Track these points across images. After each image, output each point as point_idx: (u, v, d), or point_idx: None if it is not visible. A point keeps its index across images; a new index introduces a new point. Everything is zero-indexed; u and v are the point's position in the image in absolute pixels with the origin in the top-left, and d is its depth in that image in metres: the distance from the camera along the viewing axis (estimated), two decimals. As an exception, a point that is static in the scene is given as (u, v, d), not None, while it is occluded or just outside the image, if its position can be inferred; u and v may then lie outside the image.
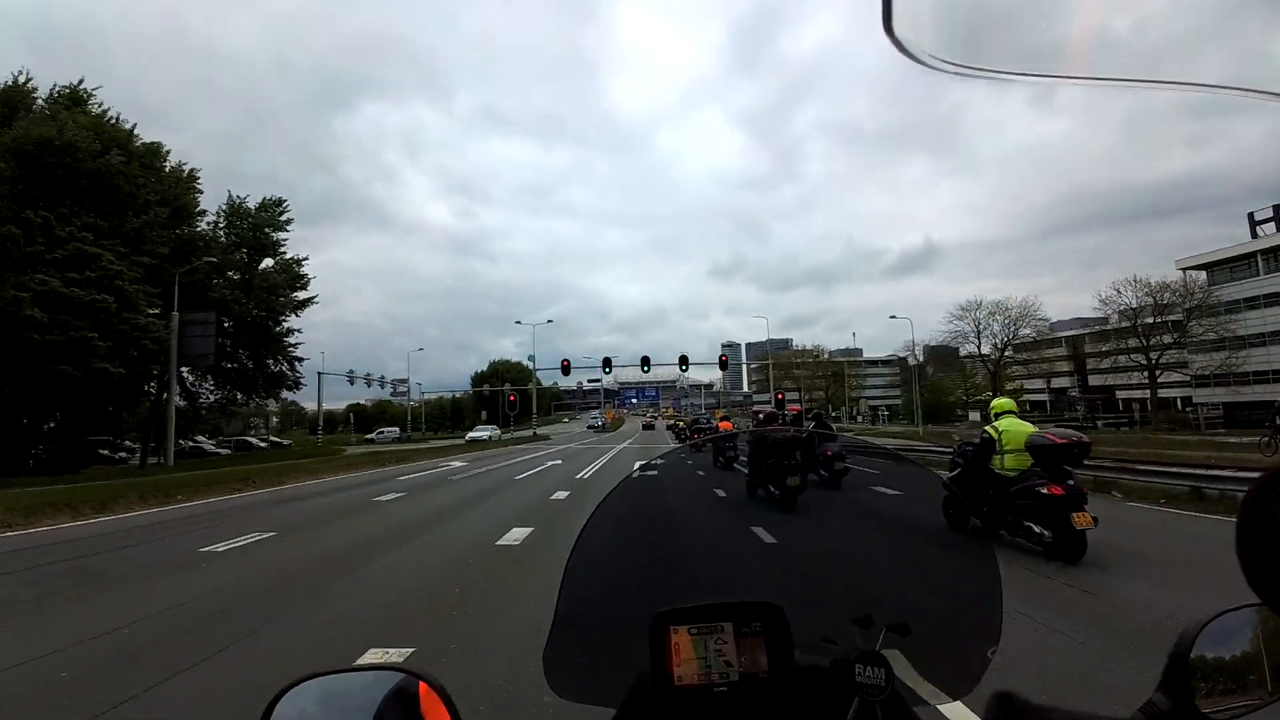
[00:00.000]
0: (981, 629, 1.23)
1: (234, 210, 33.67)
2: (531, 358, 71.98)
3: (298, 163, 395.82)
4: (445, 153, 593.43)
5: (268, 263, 35.15)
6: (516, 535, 8.32)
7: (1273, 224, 48.80)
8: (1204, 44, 0.56)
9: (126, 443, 36.05)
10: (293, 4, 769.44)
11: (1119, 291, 50.36)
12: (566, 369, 47.43)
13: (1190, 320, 47.77)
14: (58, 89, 29.31)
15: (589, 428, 79.11)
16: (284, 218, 34.72)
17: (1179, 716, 0.73)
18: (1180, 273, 51.84)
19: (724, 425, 31.25)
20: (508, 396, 55.46)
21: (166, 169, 30.94)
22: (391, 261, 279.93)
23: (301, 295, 35.80)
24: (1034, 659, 3.78)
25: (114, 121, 29.16)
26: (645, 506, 2.34)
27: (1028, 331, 60.91)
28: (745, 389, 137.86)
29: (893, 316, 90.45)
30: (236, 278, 33.29)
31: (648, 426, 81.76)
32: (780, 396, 52.68)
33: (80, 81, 30.20)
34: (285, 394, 42.42)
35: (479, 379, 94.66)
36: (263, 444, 49.65)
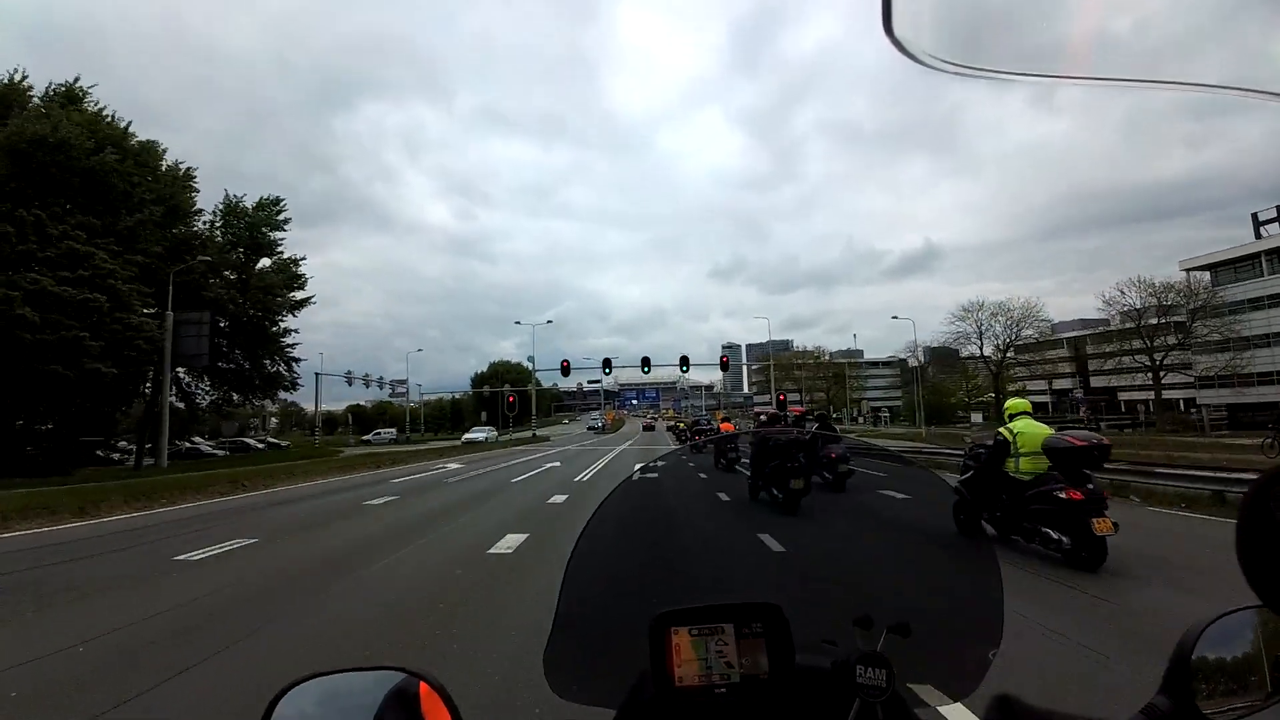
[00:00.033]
0: (982, 630, 1.23)
1: (230, 209, 33.36)
2: (531, 358, 71.76)
3: (298, 163, 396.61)
4: (445, 153, 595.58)
5: (265, 262, 34.91)
6: (510, 542, 7.92)
7: (1277, 224, 48.42)
8: (1204, 44, 0.56)
9: (122, 443, 35.75)
10: (293, 4, 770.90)
11: (1123, 292, 50.20)
12: (566, 370, 47.10)
13: (1195, 321, 47.48)
14: (53, 87, 29.14)
15: (589, 429, 78.92)
16: (281, 217, 34.44)
17: (1180, 717, 0.73)
18: (1184, 273, 51.56)
19: (725, 426, 31.16)
20: (507, 398, 55.06)
21: (163, 168, 30.69)
22: (391, 262, 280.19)
23: (299, 295, 35.55)
24: (1036, 660, 3.74)
25: (109, 119, 28.89)
26: (646, 508, 2.33)
27: (1030, 332, 60.71)
28: (745, 390, 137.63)
29: (895, 317, 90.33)
30: (233, 278, 32.97)
31: (648, 428, 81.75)
32: (782, 398, 52.34)
33: (76, 79, 30.01)
34: (284, 395, 42.27)
35: (479, 380, 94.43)
36: (260, 445, 49.36)
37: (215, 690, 3.71)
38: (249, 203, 34.18)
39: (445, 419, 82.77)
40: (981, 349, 61.94)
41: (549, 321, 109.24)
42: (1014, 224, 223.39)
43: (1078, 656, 3.99)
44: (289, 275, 34.78)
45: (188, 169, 31.91)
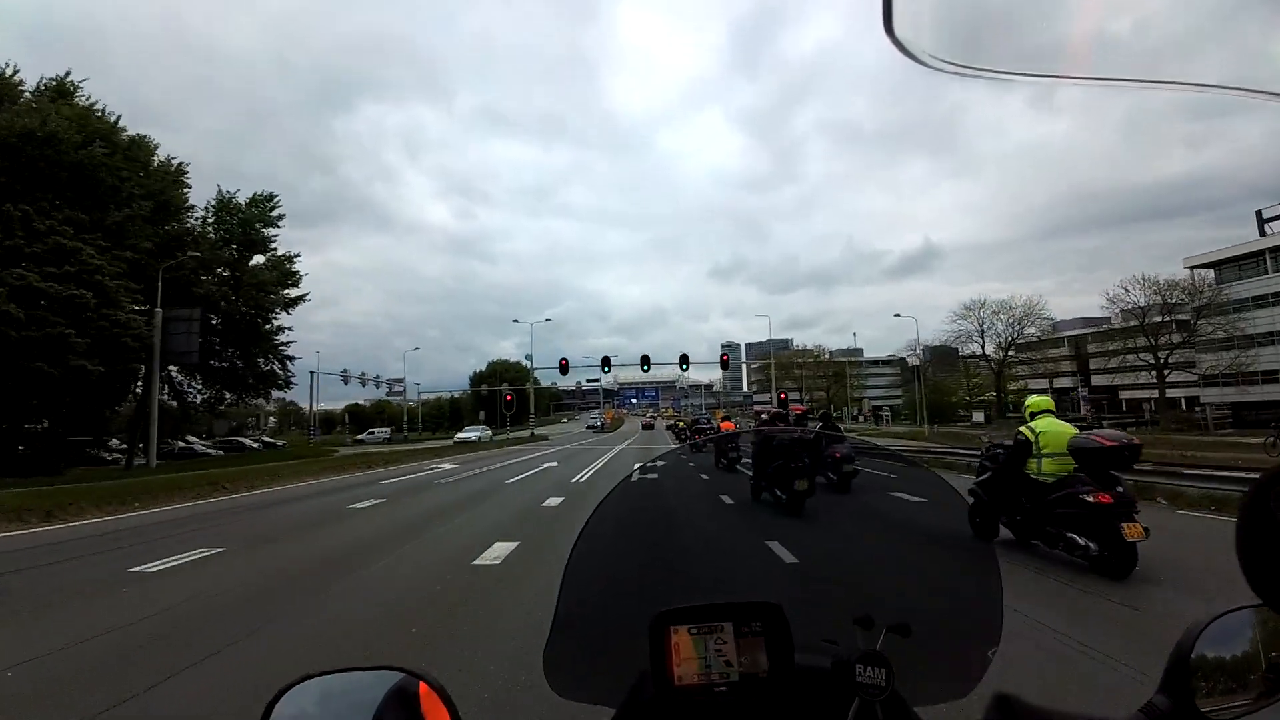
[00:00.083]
0: (982, 630, 1.23)
1: (223, 205, 32.84)
2: (529, 357, 71.42)
3: (298, 163, 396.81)
4: (445, 153, 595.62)
5: (259, 259, 34.38)
6: (498, 552, 7.28)
7: (1281, 221, 48.08)
8: (1204, 44, 0.57)
9: (113, 442, 35.28)
10: (292, 4, 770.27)
11: (1127, 290, 49.78)
12: (565, 369, 46.56)
13: (1199, 319, 47.13)
14: (44, 81, 28.71)
15: (588, 428, 78.62)
16: (275, 213, 33.94)
17: (1179, 716, 0.73)
18: (1188, 271, 51.20)
19: (726, 425, 30.97)
20: (504, 396, 54.64)
21: (155, 163, 30.21)
22: (391, 262, 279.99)
23: (293, 293, 35.07)
24: (1036, 661, 3.72)
25: (100, 114, 28.42)
26: (646, 509, 2.31)
27: (1033, 330, 60.38)
28: (745, 389, 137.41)
29: (897, 315, 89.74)
30: (226, 274, 32.45)
31: (647, 426, 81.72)
32: (783, 396, 51.98)
33: (67, 74, 29.59)
34: (280, 394, 41.84)
35: (477, 379, 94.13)
36: (256, 445, 48.89)
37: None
38: (242, 199, 33.73)
39: (444, 418, 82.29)
40: (984, 347, 61.58)
41: (547, 319, 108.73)
42: (1014, 224, 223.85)
43: (1087, 660, 3.89)
44: (283, 272, 34.27)
45: (179, 164, 31.48)
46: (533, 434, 59.13)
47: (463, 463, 25.42)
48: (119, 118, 28.73)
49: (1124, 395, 61.82)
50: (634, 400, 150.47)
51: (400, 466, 23.76)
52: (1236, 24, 0.55)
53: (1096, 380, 64.61)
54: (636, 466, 2.54)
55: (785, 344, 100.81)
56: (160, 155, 30.77)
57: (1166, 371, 48.89)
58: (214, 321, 31.75)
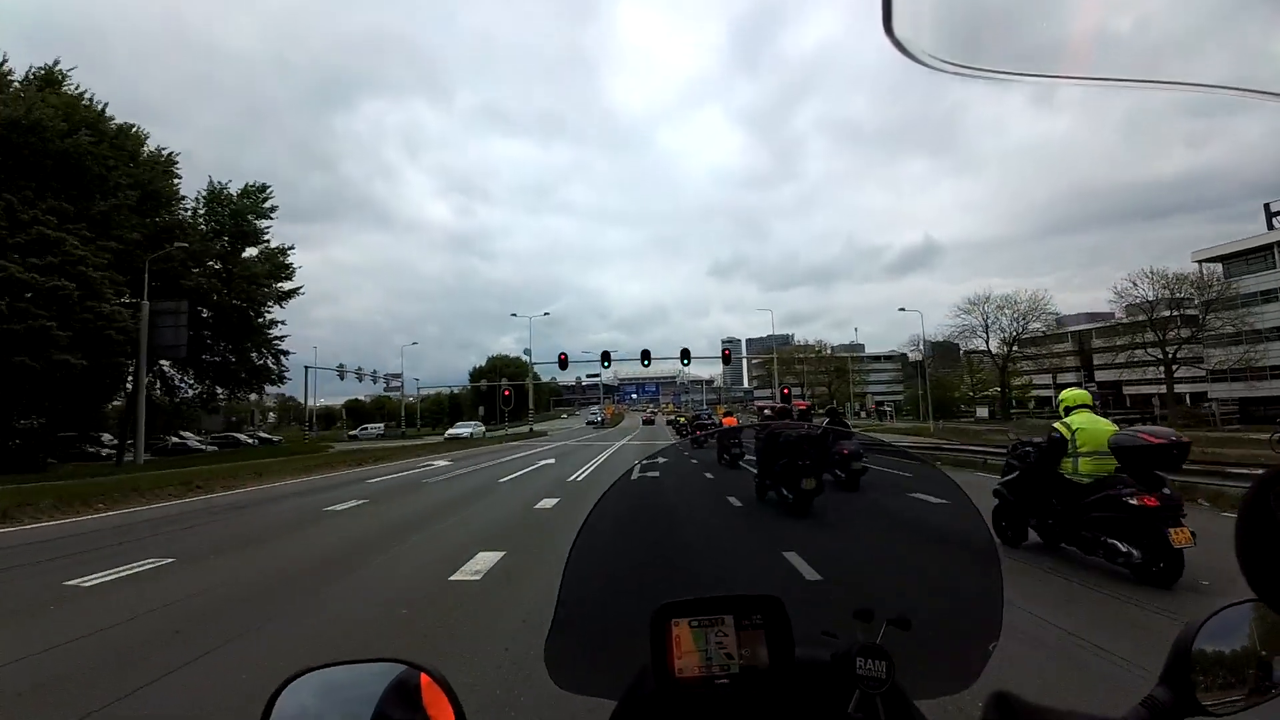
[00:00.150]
0: (982, 624, 1.23)
1: (214, 196, 32.15)
2: (528, 351, 70.91)
3: (298, 160, 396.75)
4: (445, 151, 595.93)
5: (251, 252, 33.75)
6: (481, 564, 6.49)
7: (1290, 215, 47.43)
8: (1204, 43, 0.57)
9: (106, 438, 34.72)
10: (293, 2, 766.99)
11: (1135, 284, 49.08)
12: (564, 363, 45.78)
13: (1208, 313, 46.55)
14: (33, 70, 28.12)
15: (588, 423, 78.19)
16: (267, 204, 33.27)
17: (1180, 709, 0.74)
18: (1196, 265, 50.59)
19: (728, 421, 30.66)
20: (502, 392, 54.05)
21: (145, 154, 29.59)
22: (392, 259, 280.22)
23: (286, 286, 34.44)
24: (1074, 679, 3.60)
25: (87, 103, 27.80)
26: (648, 507, 2.30)
27: (1037, 325, 59.81)
28: (746, 385, 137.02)
29: (902, 309, 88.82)
30: (217, 267, 31.80)
31: (648, 422, 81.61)
32: (786, 392, 51.46)
33: (55, 63, 29.00)
34: (277, 389, 41.32)
35: (477, 375, 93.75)
36: (252, 440, 48.35)
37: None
38: (234, 190, 33.05)
39: (444, 414, 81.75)
40: (988, 342, 60.97)
41: (546, 314, 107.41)
42: (1014, 221, 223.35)
43: (1125, 673, 3.69)
44: (276, 265, 33.62)
45: (170, 154, 30.87)
46: (531, 430, 58.56)
47: (457, 460, 24.73)
48: (105, 105, 28.10)
49: (1128, 391, 61.25)
50: (634, 396, 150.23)
51: (391, 464, 22.93)
52: (1237, 23, 0.55)
53: (1101, 376, 64.08)
54: (637, 464, 2.39)
55: (786, 339, 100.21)
56: (150, 146, 30.32)
57: (1175, 367, 48.26)
58: (205, 315, 31.15)
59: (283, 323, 34.77)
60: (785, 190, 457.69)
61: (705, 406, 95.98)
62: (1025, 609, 4.73)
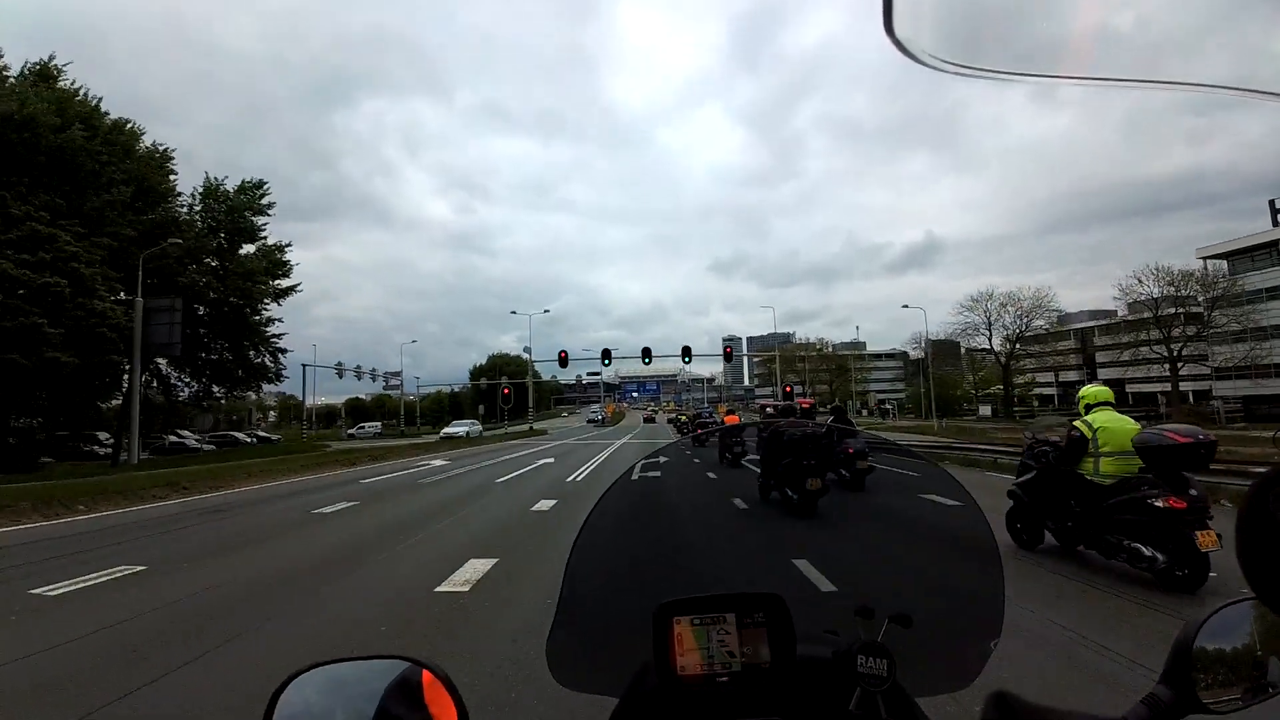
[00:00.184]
0: (983, 622, 1.23)
1: (209, 192, 31.79)
2: (527, 349, 70.60)
3: (298, 158, 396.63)
4: (445, 149, 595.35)
5: (248, 249, 33.39)
6: (471, 573, 6.02)
7: (1296, 211, 47.01)
8: (1204, 43, 0.57)
9: (104, 436, 34.44)
10: (293, 0, 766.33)
11: (1140, 280, 48.66)
12: (564, 361, 45.50)
13: (1214, 310, 46.18)
14: (28, 65, 27.81)
15: (589, 422, 77.96)
16: (264, 201, 32.88)
17: (1180, 707, 0.74)
18: (1201, 261, 50.18)
19: (730, 419, 30.37)
20: (501, 390, 53.74)
21: (139, 149, 29.26)
22: (392, 258, 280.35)
23: (284, 283, 34.05)
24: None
25: (82, 98, 27.49)
26: (649, 506, 2.26)
27: (1041, 323, 59.46)
28: (747, 383, 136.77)
29: (905, 306, 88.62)
30: (214, 264, 31.44)
31: (648, 420, 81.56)
32: (789, 390, 51.16)
33: (51, 58, 28.69)
34: (274, 387, 40.98)
35: (477, 373, 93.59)
36: (251, 439, 48.09)
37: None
38: (231, 186, 32.67)
39: (444, 412, 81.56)
40: (991, 340, 60.62)
41: (546, 311, 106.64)
42: (1015, 219, 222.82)
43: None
44: (273, 262, 33.26)
45: (165, 150, 30.52)
46: (531, 428, 58.27)
47: (454, 459, 24.39)
48: (100, 100, 27.77)
49: (1131, 389, 60.94)
50: (635, 394, 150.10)
51: (386, 463, 22.51)
52: (1237, 23, 0.55)
53: (1103, 374, 63.76)
54: (638, 464, 2.23)
55: (787, 338, 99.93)
56: (147, 142, 29.99)
57: (1180, 365, 47.89)
58: (201, 313, 30.80)
59: (280, 320, 34.45)
60: (785, 188, 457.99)
61: (706, 405, 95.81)
62: (1047, 617, 4.54)
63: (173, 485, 13.63)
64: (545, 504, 10.87)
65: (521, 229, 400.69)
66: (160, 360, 30.67)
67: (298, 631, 4.65)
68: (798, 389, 64.20)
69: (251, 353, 33.16)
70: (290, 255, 34.74)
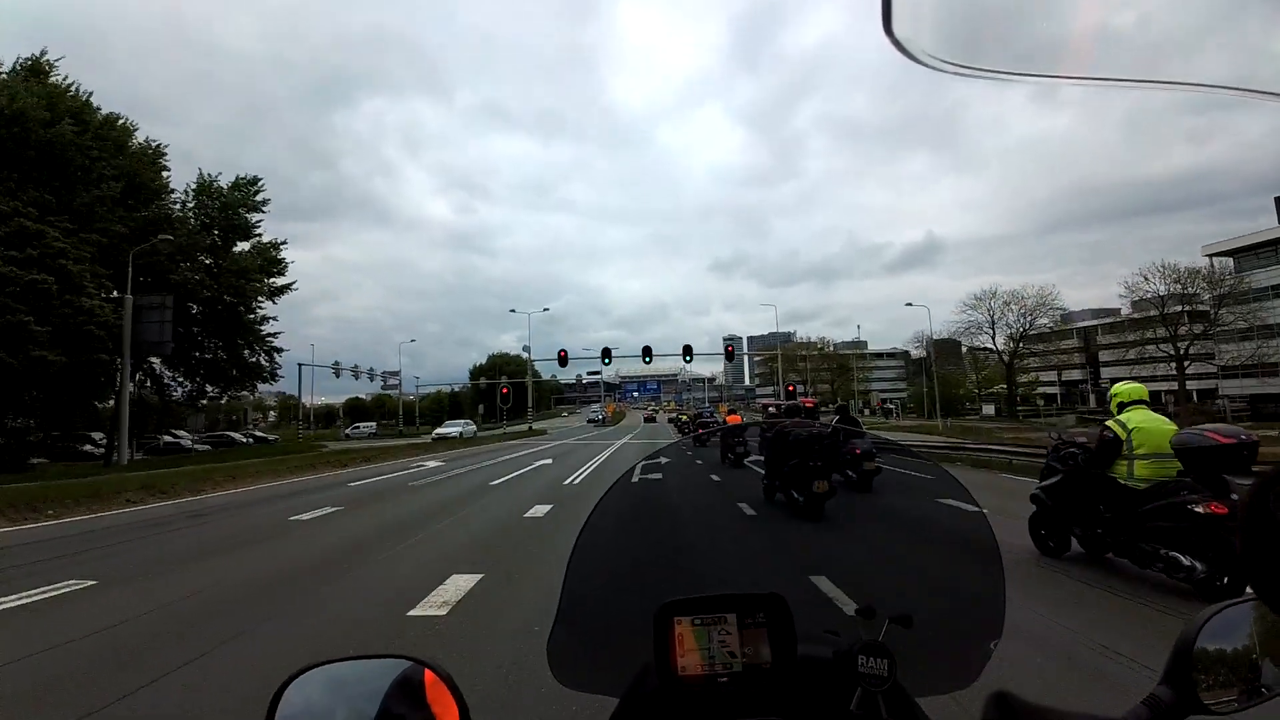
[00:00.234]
0: (984, 622, 1.24)
1: (203, 188, 31.36)
2: (526, 348, 70.17)
3: (298, 158, 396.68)
4: (445, 149, 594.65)
5: (243, 246, 32.96)
6: (452, 591, 5.41)
7: (1302, 208, 46.61)
8: (1204, 43, 0.58)
9: (96, 436, 34.01)
10: (293, 0, 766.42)
11: (1146, 278, 48.16)
12: (563, 360, 45.05)
13: (1221, 308, 45.74)
14: (20, 61, 27.45)
15: (589, 421, 77.61)
16: (259, 197, 32.47)
17: (1182, 708, 0.74)
18: (1206, 259, 49.73)
19: (732, 419, 30.13)
20: (500, 389, 53.32)
21: (132, 145, 28.85)
22: (392, 257, 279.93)
23: (279, 281, 33.64)
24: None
25: (73, 93, 27.08)
26: (650, 509, 2.27)
27: (1045, 321, 59.01)
28: (748, 382, 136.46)
29: (909, 304, 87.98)
30: (208, 262, 31.01)
31: (649, 419, 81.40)
32: (791, 389, 50.78)
33: (43, 53, 28.30)
34: (269, 386, 40.56)
35: (477, 372, 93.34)
36: (247, 440, 47.66)
37: None
38: (225, 182, 32.26)
39: (443, 412, 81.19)
40: (994, 339, 60.17)
41: (546, 309, 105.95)
42: (1015, 218, 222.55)
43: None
44: (268, 260, 32.84)
45: (158, 146, 30.10)
46: (530, 428, 57.84)
47: (449, 460, 23.89)
48: (90, 94, 27.37)
49: (1135, 388, 60.58)
50: (635, 394, 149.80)
51: (377, 465, 21.89)
52: (1237, 23, 0.54)
53: (1107, 373, 63.33)
54: (637, 465, 2.20)
55: (787, 337, 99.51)
56: (140, 138, 29.60)
57: (1186, 363, 47.42)
58: (194, 311, 30.36)
59: (275, 319, 34.05)
60: (785, 188, 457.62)
61: (707, 404, 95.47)
62: (1059, 622, 4.38)
63: (149, 489, 13.03)
64: (540, 510, 10.33)
65: (521, 229, 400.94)
66: (154, 359, 30.29)
67: (251, 667, 3.95)
68: (799, 388, 63.78)
69: (246, 352, 32.76)
70: (287, 253, 34.50)
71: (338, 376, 53.68)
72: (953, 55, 0.52)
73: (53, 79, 27.22)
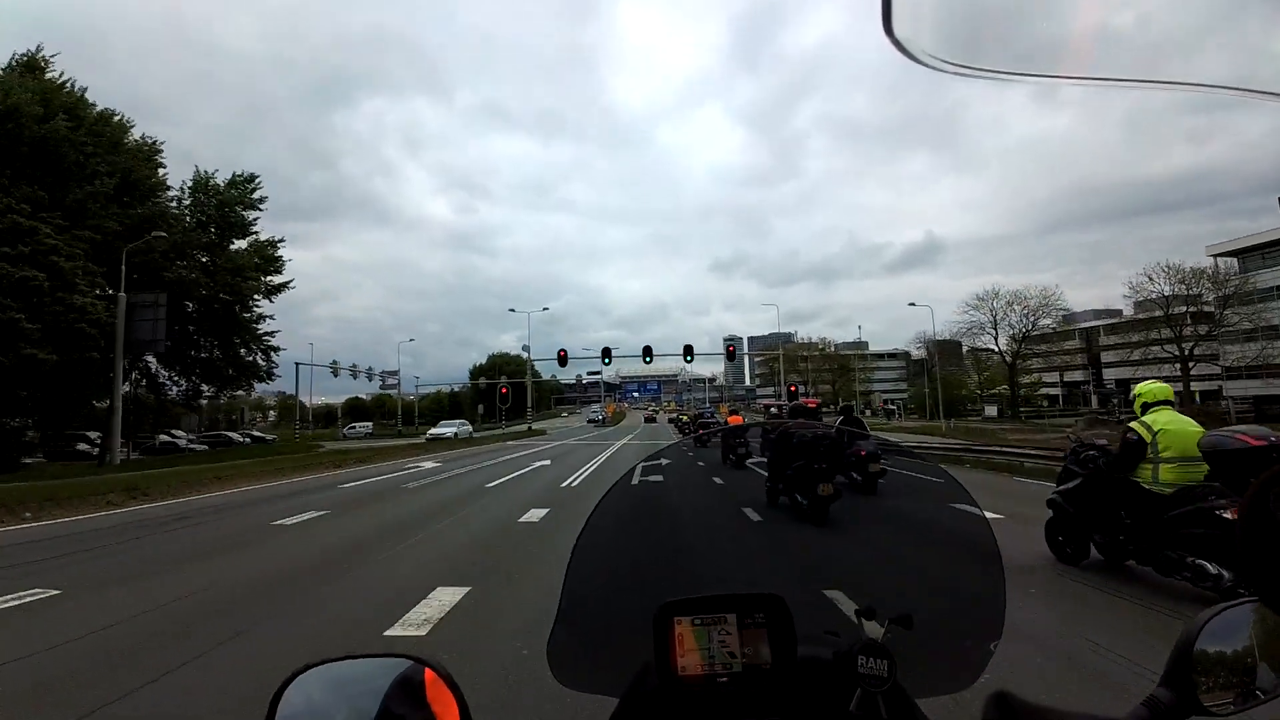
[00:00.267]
0: (984, 623, 1.24)
1: (199, 186, 31.11)
2: (526, 348, 69.83)
3: (298, 158, 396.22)
4: (445, 148, 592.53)
5: (240, 244, 32.71)
6: (435, 607, 5.03)
7: (1308, 208, 46.35)
8: (1204, 43, 0.58)
9: (92, 435, 33.75)
10: (293, 0, 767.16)
11: (1150, 279, 47.84)
12: (563, 359, 44.75)
13: (1226, 308, 45.42)
14: (15, 57, 27.27)
15: (589, 421, 77.40)
16: (255, 195, 32.23)
17: (1182, 709, 0.74)
18: (1211, 259, 49.41)
19: (733, 419, 29.80)
20: (499, 389, 53.03)
21: (128, 142, 28.63)
22: (392, 257, 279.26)
23: (276, 280, 33.41)
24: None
25: (68, 89, 26.86)
26: (650, 510, 2.27)
27: (1048, 322, 58.68)
28: (748, 383, 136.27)
29: (912, 304, 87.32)
30: (204, 259, 30.75)
31: (649, 420, 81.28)
32: (793, 389, 50.50)
33: (38, 49, 28.12)
34: (266, 385, 40.33)
35: (477, 372, 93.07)
36: (244, 439, 47.42)
37: None
38: (221, 180, 32.02)
39: (443, 412, 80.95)
40: (997, 339, 59.83)
41: (546, 309, 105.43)
42: (1015, 218, 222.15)
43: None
44: (265, 258, 32.58)
45: (154, 143, 29.90)
46: (530, 429, 57.55)
47: (446, 460, 23.56)
48: (85, 90, 27.14)
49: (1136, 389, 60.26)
50: (636, 394, 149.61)
51: (371, 466, 21.43)
52: (1237, 23, 0.55)
53: (1110, 373, 62.99)
54: (637, 466, 2.17)
55: (788, 337, 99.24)
56: (136, 135, 29.39)
57: (1190, 364, 47.11)
58: (190, 309, 30.11)
59: (272, 318, 33.81)
60: (785, 188, 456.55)
61: (708, 405, 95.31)
62: (1083, 633, 4.18)
63: (131, 490, 12.59)
64: (535, 514, 9.96)
65: (521, 229, 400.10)
66: (150, 358, 30.05)
67: (206, 688, 3.62)
68: (801, 389, 63.47)
69: (242, 350, 32.52)
70: (285, 253, 34.27)
71: (336, 376, 53.42)
72: (953, 55, 0.52)
73: (48, 75, 27.12)
